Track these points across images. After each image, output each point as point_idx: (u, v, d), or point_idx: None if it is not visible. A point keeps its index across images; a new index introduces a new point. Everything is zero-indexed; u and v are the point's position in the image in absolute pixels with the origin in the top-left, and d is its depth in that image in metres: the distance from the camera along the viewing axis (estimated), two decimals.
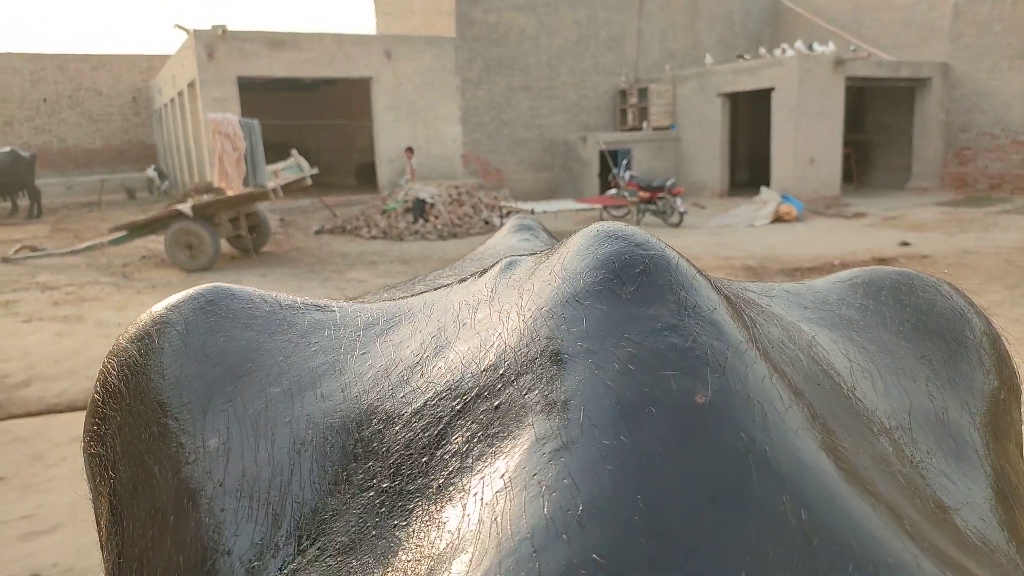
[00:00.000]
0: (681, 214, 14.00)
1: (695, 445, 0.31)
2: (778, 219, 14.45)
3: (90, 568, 3.38)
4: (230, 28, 15.11)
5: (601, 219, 14.97)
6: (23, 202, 19.24)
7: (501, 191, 16.96)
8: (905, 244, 11.35)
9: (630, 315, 0.37)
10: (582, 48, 19.28)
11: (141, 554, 0.46)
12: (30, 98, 25.51)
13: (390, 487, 0.39)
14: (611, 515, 0.29)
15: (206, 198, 10.66)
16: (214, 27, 14.91)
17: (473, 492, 0.34)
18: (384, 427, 0.43)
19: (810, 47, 16.97)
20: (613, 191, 15.19)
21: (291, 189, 11.62)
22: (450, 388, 0.41)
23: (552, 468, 0.31)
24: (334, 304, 0.57)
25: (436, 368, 0.44)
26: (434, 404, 0.41)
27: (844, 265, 10.03)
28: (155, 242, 12.04)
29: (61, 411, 5.46)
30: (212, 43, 14.93)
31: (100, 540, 0.55)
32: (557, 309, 0.39)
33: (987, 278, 8.99)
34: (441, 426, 0.40)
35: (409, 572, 0.33)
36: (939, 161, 18.26)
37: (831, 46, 16.60)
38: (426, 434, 0.40)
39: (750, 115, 19.72)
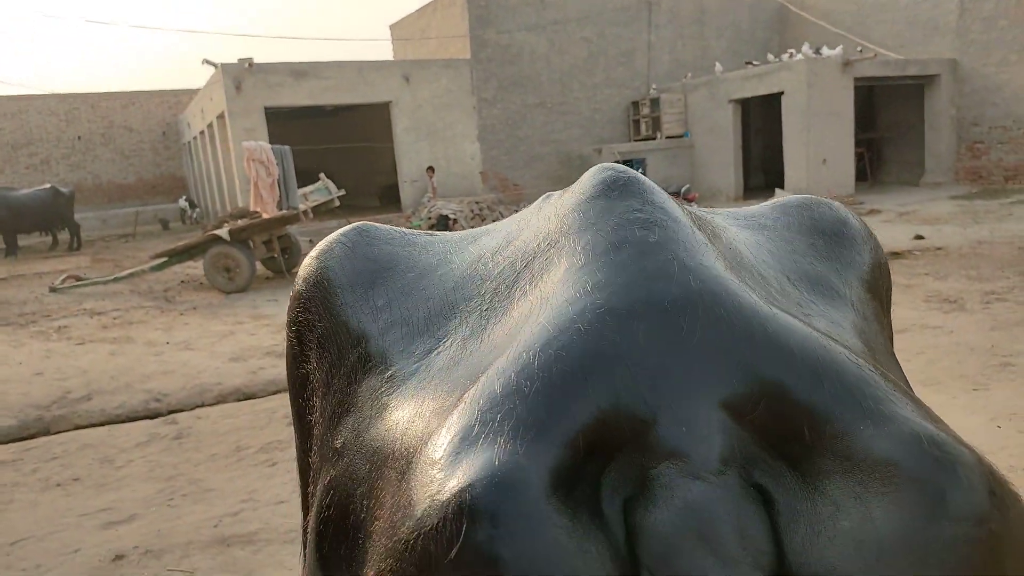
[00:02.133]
0: None
1: (646, 257, 0.62)
2: None
3: (167, 548, 3.76)
4: (255, 61, 15.74)
5: None
6: (63, 236, 20.03)
7: (520, 205, 17.38)
8: (919, 237, 11.53)
9: (616, 205, 0.69)
10: (592, 64, 19.72)
11: (350, 368, 0.80)
12: (65, 137, 26.50)
13: (486, 309, 0.74)
14: (604, 288, 0.59)
15: (241, 223, 11.19)
16: (240, 60, 15.57)
17: (537, 295, 0.67)
18: (480, 283, 0.78)
19: (817, 51, 17.25)
20: None
21: (319, 211, 12.13)
22: (518, 255, 0.76)
23: (578, 275, 0.63)
24: (438, 233, 0.97)
25: (509, 249, 0.79)
26: (510, 266, 0.76)
27: None
28: (192, 267, 12.58)
29: (123, 421, 5.90)
30: (240, 76, 15.58)
31: (298, 369, 0.91)
32: (577, 206, 0.72)
33: (1000, 265, 9.17)
34: (515, 275, 0.74)
35: (502, 338, 0.67)
36: (952, 155, 18.36)
37: (838, 49, 16.86)
38: (506, 281, 0.75)
39: (761, 119, 19.97)
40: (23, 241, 19.87)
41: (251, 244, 11.09)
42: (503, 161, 18.82)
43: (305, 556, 0.81)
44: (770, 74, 16.92)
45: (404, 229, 0.96)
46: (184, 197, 24.92)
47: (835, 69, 16.32)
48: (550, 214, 0.77)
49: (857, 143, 17.49)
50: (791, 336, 0.55)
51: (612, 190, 0.71)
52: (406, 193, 17.63)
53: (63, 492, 4.55)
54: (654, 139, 19.14)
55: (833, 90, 16.25)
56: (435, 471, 0.52)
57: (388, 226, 0.96)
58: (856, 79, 16.60)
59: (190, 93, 25.39)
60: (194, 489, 4.47)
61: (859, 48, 17.54)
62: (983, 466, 0.50)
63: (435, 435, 0.55)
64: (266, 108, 15.94)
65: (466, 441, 0.52)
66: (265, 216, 10.90)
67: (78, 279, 12.67)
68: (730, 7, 21.68)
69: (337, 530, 0.68)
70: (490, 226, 0.94)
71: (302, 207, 11.10)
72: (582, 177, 0.78)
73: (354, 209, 18.69)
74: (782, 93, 16.49)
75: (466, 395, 0.56)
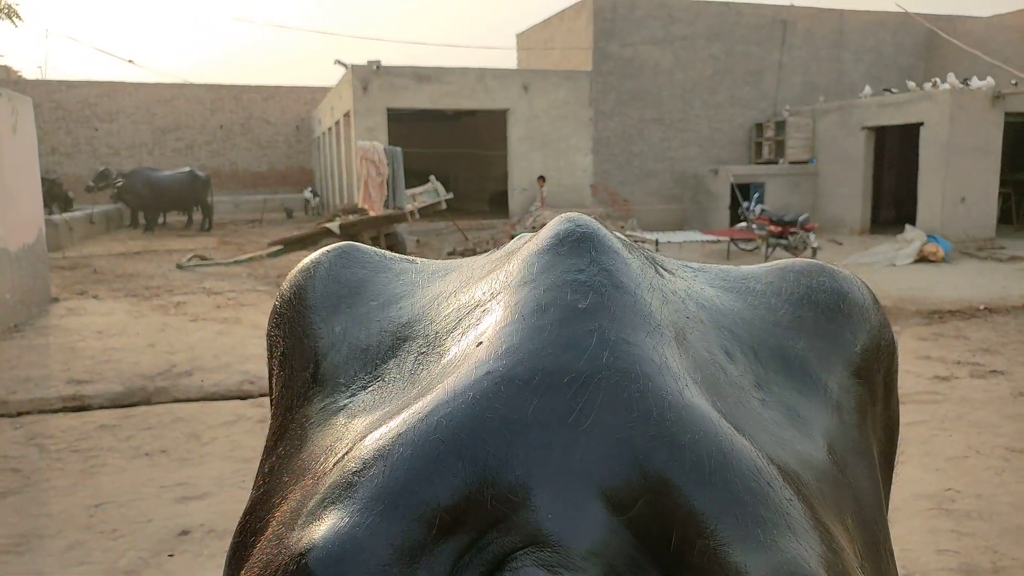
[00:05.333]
0: (815, 249, 13.59)
1: (567, 324, 0.60)
2: (922, 259, 13.69)
3: (230, 530, 3.91)
4: (383, 64, 16.33)
5: (729, 252, 14.81)
6: (198, 216, 21.51)
7: (629, 221, 17.12)
8: None
9: (559, 262, 0.67)
10: (717, 82, 19.18)
11: (295, 392, 0.81)
12: (209, 125, 28.49)
13: (422, 354, 0.73)
14: (513, 354, 0.57)
15: (352, 218, 11.61)
16: (369, 63, 16.19)
17: (461, 349, 0.66)
18: (428, 324, 0.77)
19: (965, 81, 16.03)
20: (742, 224, 15.00)
21: (427, 212, 12.41)
22: (466, 301, 0.75)
23: (498, 335, 0.61)
24: (419, 260, 0.95)
25: (464, 291, 0.78)
26: (456, 311, 0.75)
27: (990, 310, 9.41)
28: (305, 256, 13.18)
29: (216, 399, 6.21)
30: (367, 77, 16.21)
31: (270, 383, 0.93)
32: (527, 258, 0.70)
33: None
34: (457, 321, 0.73)
35: (417, 389, 0.65)
36: None
37: (989, 80, 15.61)
38: (448, 327, 0.73)
39: (897, 151, 18.78)
40: (161, 218, 21.48)
41: (359, 239, 11.49)
42: (615, 175, 18.62)
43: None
44: (910, 103, 15.88)
45: (388, 253, 0.96)
46: (309, 189, 26.20)
47: (983, 102, 15.11)
48: (505, 262, 0.75)
49: (1003, 183, 16.11)
50: (688, 430, 0.51)
51: (562, 245, 0.68)
52: (515, 201, 17.76)
53: (149, 462, 4.83)
54: (776, 163, 18.38)
55: (979, 125, 15.05)
56: (292, 529, 0.53)
57: (373, 249, 0.96)
58: (1008, 114, 15.30)
59: (324, 90, 26.70)
60: None
61: (1014, 81, 16.17)
62: None
63: (316, 484, 0.57)
64: (389, 109, 16.49)
65: (324, 503, 0.52)
66: (372, 213, 11.25)
67: (203, 259, 13.53)
68: (872, 30, 20.54)
69: (240, 559, 0.69)
70: (465, 260, 0.92)
71: (409, 208, 11.39)
72: (546, 225, 0.74)
73: (463, 213, 19.02)
74: (921, 124, 15.43)
75: (351, 449, 0.56)
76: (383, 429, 0.56)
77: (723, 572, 0.46)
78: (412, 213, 11.44)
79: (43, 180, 12.40)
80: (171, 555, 3.63)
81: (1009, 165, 16.63)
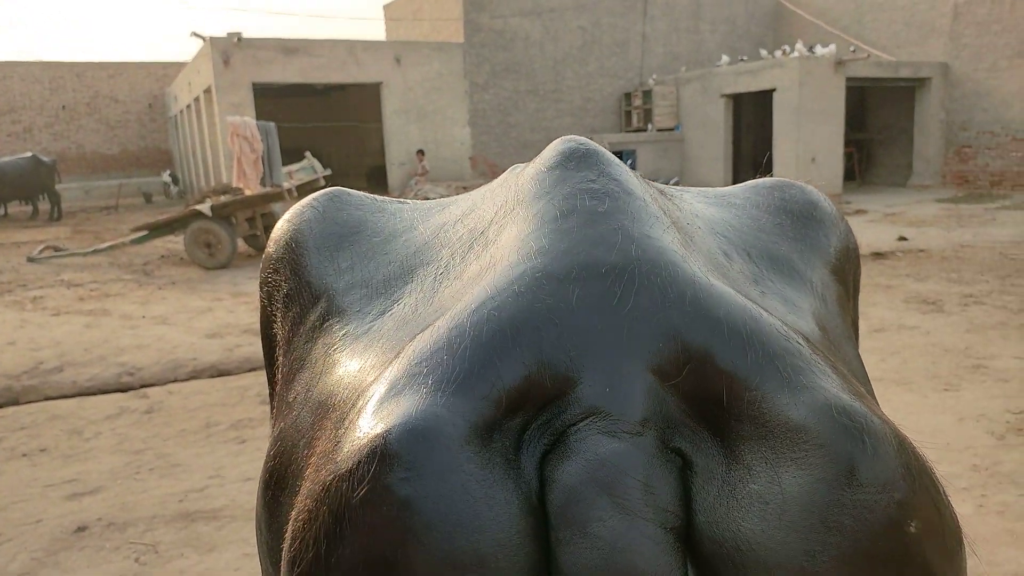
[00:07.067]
0: None
1: (592, 225, 0.63)
2: None
3: (131, 522, 3.72)
4: (244, 36, 15.54)
5: None
6: (43, 205, 19.77)
7: None
8: (903, 239, 11.59)
9: (571, 175, 0.70)
10: (587, 53, 19.64)
11: (309, 327, 0.83)
12: (49, 105, 26.10)
13: (441, 274, 0.75)
14: (546, 253, 0.60)
15: (224, 199, 11.07)
16: (229, 34, 15.36)
17: (487, 259, 0.68)
18: (439, 249, 0.79)
19: (811, 49, 17.26)
20: None
21: (304, 190, 12.01)
22: (476, 223, 0.77)
23: (525, 241, 0.64)
24: (409, 200, 0.98)
25: (470, 217, 0.80)
26: (468, 232, 0.77)
27: None
28: (174, 242, 12.45)
29: (94, 394, 5.82)
30: (228, 50, 15.38)
31: (269, 329, 0.95)
32: (535, 176, 0.73)
33: (980, 269, 9.23)
34: (471, 241, 0.75)
35: (448, 299, 0.67)
36: (940, 159, 18.47)
37: (832, 47, 16.87)
38: (462, 247, 0.76)
39: (753, 115, 20.00)
40: (2, 210, 19.58)
41: (233, 221, 10.97)
42: (493, 147, 18.74)
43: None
44: (763, 70, 16.92)
45: (377, 196, 0.99)
46: (168, 172, 24.65)
47: (827, 68, 16.34)
48: (511, 184, 0.78)
49: (847, 143, 17.55)
50: (721, 306, 0.57)
51: (570, 161, 0.72)
52: (394, 175, 17.52)
53: (29, 462, 4.48)
54: (645, 131, 19.11)
55: (825, 89, 16.28)
56: (360, 420, 0.54)
57: (361, 192, 0.99)
58: (848, 79, 16.62)
59: (178, 66, 25.06)
60: (161, 464, 4.42)
61: (852, 48, 17.56)
62: (893, 437, 0.51)
63: (369, 387, 0.59)
64: (254, 84, 15.76)
65: (392, 392, 0.54)
66: (248, 192, 10.77)
67: (56, 250, 12.51)
68: (726, 1, 21.64)
69: (280, 478, 0.71)
70: (460, 196, 0.96)
71: (286, 185, 10.98)
72: (546, 148, 0.79)
73: None
74: (774, 90, 16.50)
75: (402, 351, 0.59)
76: (435, 327, 0.58)
77: (775, 414, 0.51)
78: (290, 191, 11.05)
79: None
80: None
81: (851, 126, 18.10)
